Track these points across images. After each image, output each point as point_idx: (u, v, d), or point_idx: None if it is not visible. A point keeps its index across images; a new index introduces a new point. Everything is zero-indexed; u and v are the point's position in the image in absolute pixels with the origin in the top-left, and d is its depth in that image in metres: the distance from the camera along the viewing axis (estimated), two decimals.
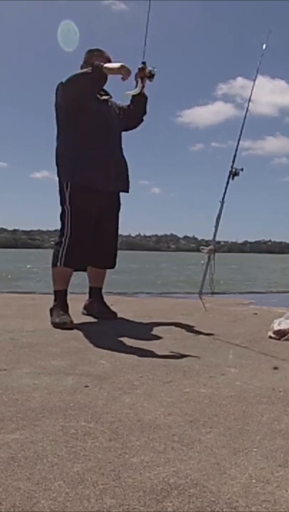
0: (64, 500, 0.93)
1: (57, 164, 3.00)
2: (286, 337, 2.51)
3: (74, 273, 3.02)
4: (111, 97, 3.12)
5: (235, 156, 3.47)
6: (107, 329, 2.76)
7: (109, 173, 2.96)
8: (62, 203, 2.94)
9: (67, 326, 2.73)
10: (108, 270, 3.25)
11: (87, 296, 3.29)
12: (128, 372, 1.86)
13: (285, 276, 14.47)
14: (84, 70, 2.85)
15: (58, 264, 2.90)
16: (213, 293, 3.67)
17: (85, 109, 2.90)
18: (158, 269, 21.30)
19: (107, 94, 3.11)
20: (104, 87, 3.03)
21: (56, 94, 2.93)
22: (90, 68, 2.78)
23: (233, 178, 3.45)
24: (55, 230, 3.04)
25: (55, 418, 1.36)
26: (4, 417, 1.37)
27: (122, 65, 2.74)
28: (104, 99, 3.06)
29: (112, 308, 3.23)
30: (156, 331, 2.75)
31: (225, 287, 7.31)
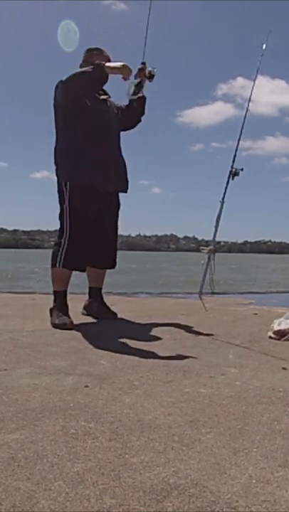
0: (64, 500, 0.93)
1: (56, 163, 2.99)
2: (286, 337, 2.51)
3: (74, 273, 3.01)
4: (109, 97, 3.11)
5: (235, 156, 3.47)
6: (107, 329, 2.76)
7: (108, 174, 2.95)
8: (61, 203, 2.92)
9: (66, 326, 2.72)
10: (108, 270, 3.25)
11: (87, 296, 3.29)
12: (128, 372, 1.86)
13: (285, 276, 14.47)
14: (85, 68, 2.83)
15: (58, 265, 2.89)
16: (213, 293, 3.68)
17: (85, 108, 2.88)
18: (159, 269, 21.29)
19: (105, 93, 3.09)
20: (104, 87, 3.02)
21: (55, 92, 2.90)
22: (91, 67, 2.76)
23: (233, 178, 3.45)
24: (55, 230, 3.02)
25: (55, 418, 1.36)
26: (4, 417, 1.37)
27: (123, 65, 2.73)
28: (103, 99, 3.05)
29: (112, 308, 3.22)
30: (156, 331, 2.75)
31: (225, 287, 7.31)
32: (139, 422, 1.35)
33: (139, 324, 2.97)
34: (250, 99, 3.64)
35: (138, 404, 1.50)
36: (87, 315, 3.19)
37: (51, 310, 2.91)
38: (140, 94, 3.03)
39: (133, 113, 3.15)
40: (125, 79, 2.83)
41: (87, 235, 2.94)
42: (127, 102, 3.15)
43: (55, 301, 2.94)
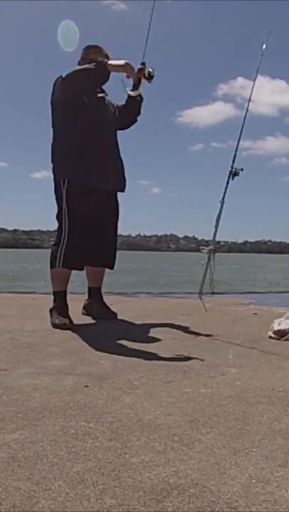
0: (64, 500, 0.93)
1: (53, 161, 2.94)
2: (286, 337, 2.51)
3: (74, 272, 3.00)
4: (107, 95, 3.08)
5: (235, 156, 3.47)
6: (106, 329, 2.76)
7: (107, 172, 2.92)
8: (59, 201, 2.88)
9: (66, 326, 2.72)
10: (108, 271, 3.24)
11: (86, 296, 3.28)
12: (128, 372, 1.86)
13: (285, 276, 14.47)
14: (86, 65, 2.78)
15: (57, 264, 2.86)
16: (213, 293, 3.67)
17: (85, 105, 2.85)
18: (159, 269, 21.28)
19: (103, 91, 3.05)
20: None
21: (54, 88, 2.86)
22: (94, 64, 2.73)
23: (233, 178, 3.44)
24: (55, 230, 2.99)
25: (55, 418, 1.36)
26: (4, 417, 1.37)
27: (126, 63, 2.71)
28: (101, 97, 3.02)
29: (112, 308, 3.22)
30: (156, 331, 2.74)
31: (225, 287, 7.31)
32: (139, 422, 1.35)
33: (139, 324, 2.97)
34: (250, 99, 3.64)
35: (138, 404, 1.50)
36: (87, 315, 3.18)
37: (51, 310, 2.91)
38: (138, 92, 3.01)
39: (129, 113, 3.13)
40: (129, 77, 2.82)
41: (86, 233, 2.91)
42: (123, 102, 3.14)
43: (55, 301, 2.93)
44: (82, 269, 3.07)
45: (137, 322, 3.02)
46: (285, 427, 1.33)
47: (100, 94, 3.01)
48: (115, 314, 3.14)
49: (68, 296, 2.96)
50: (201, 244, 3.70)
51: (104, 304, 3.21)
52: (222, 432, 1.29)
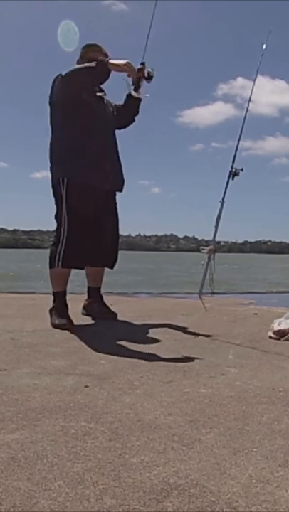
0: (64, 500, 0.93)
1: (51, 160, 2.92)
2: (286, 337, 2.51)
3: (74, 272, 2.99)
4: (105, 94, 3.07)
5: (235, 156, 3.47)
6: (106, 329, 2.76)
7: (106, 171, 2.91)
8: (58, 201, 2.86)
9: (66, 327, 2.71)
10: (108, 271, 3.23)
11: (86, 296, 3.27)
12: (128, 372, 1.86)
13: (285, 276, 14.47)
14: (87, 64, 2.76)
15: (56, 265, 2.84)
16: (213, 293, 3.67)
17: (84, 104, 2.84)
18: (160, 270, 21.28)
19: (101, 90, 3.04)
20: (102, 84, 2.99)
21: (53, 87, 2.84)
22: (95, 62, 2.71)
23: (233, 178, 3.44)
24: (54, 230, 2.97)
25: (55, 418, 1.36)
26: (4, 417, 1.37)
27: (127, 62, 2.70)
28: (100, 96, 3.01)
29: (112, 308, 3.21)
30: (156, 331, 2.74)
31: (225, 287, 7.31)
32: (139, 422, 1.35)
33: (139, 324, 2.97)
34: (250, 99, 3.64)
35: (138, 404, 1.50)
36: (87, 315, 3.18)
37: (51, 310, 2.90)
38: (139, 95, 3.01)
39: (128, 112, 3.12)
40: (130, 76, 2.81)
41: (86, 233, 2.89)
42: (122, 101, 3.13)
43: (54, 301, 2.92)
44: (82, 268, 3.06)
45: (137, 322, 3.02)
46: (285, 427, 1.33)
47: (98, 94, 2.99)
48: (115, 314, 3.14)
49: (68, 296, 2.96)
50: (201, 244, 3.70)
51: (104, 304, 3.21)
52: (222, 432, 1.29)
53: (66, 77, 2.77)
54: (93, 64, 2.71)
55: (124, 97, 3.12)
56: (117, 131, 3.10)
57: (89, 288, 3.23)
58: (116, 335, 2.57)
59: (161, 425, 1.32)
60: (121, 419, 1.36)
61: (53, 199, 2.92)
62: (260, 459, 1.13)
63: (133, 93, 3.00)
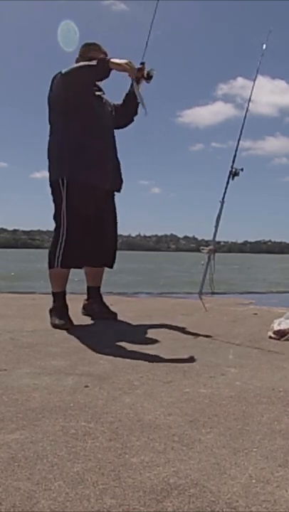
0: (64, 500, 0.93)
1: (50, 158, 2.89)
2: (286, 337, 2.51)
3: (74, 272, 2.99)
4: (104, 94, 3.06)
5: (235, 156, 3.46)
6: (106, 329, 2.76)
7: (105, 170, 2.90)
8: (58, 200, 2.83)
9: (66, 327, 2.71)
10: (109, 271, 3.23)
11: (86, 295, 3.27)
12: (128, 372, 1.86)
13: (285, 276, 14.47)
14: (88, 62, 2.74)
15: (56, 265, 2.82)
16: (213, 293, 3.67)
17: (85, 103, 2.83)
18: (160, 270, 21.26)
19: (100, 89, 3.03)
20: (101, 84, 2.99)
21: (52, 84, 2.82)
22: (96, 60, 2.69)
23: (233, 178, 3.44)
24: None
25: (55, 418, 1.36)
26: (4, 417, 1.37)
27: (129, 61, 2.70)
28: (98, 95, 3.00)
29: (112, 308, 3.21)
30: (156, 331, 2.74)
31: (225, 287, 7.31)
32: (139, 422, 1.35)
33: (139, 324, 2.97)
34: (250, 99, 3.64)
35: (138, 404, 1.50)
36: (87, 315, 3.18)
37: (51, 311, 2.90)
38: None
39: (126, 112, 3.11)
40: (131, 76, 2.81)
41: (86, 233, 2.88)
42: (120, 101, 3.13)
43: (54, 301, 2.92)
44: (80, 268, 3.05)
45: (137, 322, 3.02)
46: (285, 427, 1.33)
47: (97, 93, 2.99)
48: (115, 314, 3.14)
49: (68, 296, 2.96)
50: (201, 244, 3.70)
51: (104, 304, 3.20)
52: (222, 432, 1.29)
53: (67, 75, 2.75)
54: (94, 62, 2.70)
55: (123, 96, 3.12)
56: (116, 131, 3.10)
57: (88, 288, 3.23)
58: (116, 335, 2.57)
59: (161, 425, 1.33)
60: (121, 419, 1.36)
61: (51, 198, 2.90)
62: (260, 459, 1.13)
63: (135, 89, 2.98)
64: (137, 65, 2.86)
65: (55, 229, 2.86)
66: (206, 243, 3.59)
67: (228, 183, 3.44)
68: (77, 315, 3.03)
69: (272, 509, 0.92)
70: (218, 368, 1.95)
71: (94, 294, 3.21)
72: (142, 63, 2.90)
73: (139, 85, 2.90)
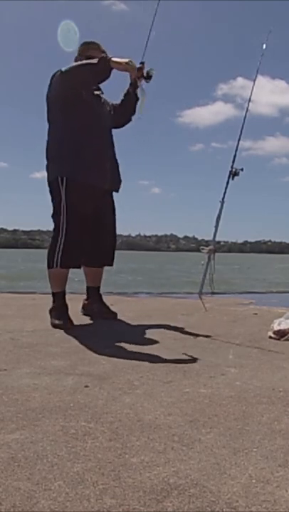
0: (64, 500, 0.93)
1: (48, 158, 2.88)
2: (286, 337, 2.51)
3: (74, 272, 2.99)
4: (102, 93, 3.06)
5: (235, 156, 3.46)
6: (106, 329, 2.76)
7: (104, 170, 2.90)
8: (56, 199, 2.82)
9: (66, 327, 2.71)
10: (109, 271, 3.23)
11: (85, 295, 3.27)
12: (128, 372, 1.86)
13: (285, 276, 14.47)
14: (90, 60, 2.73)
15: (55, 265, 2.82)
16: (213, 293, 3.67)
17: (84, 102, 2.82)
18: (160, 270, 21.26)
19: (98, 89, 3.02)
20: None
21: (51, 82, 2.81)
22: (97, 59, 2.68)
23: (233, 178, 3.44)
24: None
25: (55, 418, 1.36)
26: (4, 417, 1.37)
27: (130, 60, 2.69)
28: (97, 94, 2.99)
29: (112, 308, 3.21)
30: (156, 331, 2.74)
31: (225, 287, 7.31)
32: (139, 422, 1.35)
33: (139, 324, 2.96)
34: (250, 99, 3.64)
35: (138, 404, 1.50)
36: (87, 315, 3.18)
37: (51, 311, 2.90)
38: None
39: (125, 112, 3.10)
40: (132, 76, 2.80)
41: (85, 233, 2.87)
42: (119, 101, 3.12)
43: (54, 301, 2.91)
44: (79, 267, 3.04)
45: (137, 322, 3.02)
46: (285, 427, 1.33)
47: (96, 92, 2.98)
48: (115, 314, 3.14)
49: (68, 296, 2.96)
50: (201, 244, 3.70)
51: (104, 303, 3.20)
52: (222, 432, 1.29)
53: (67, 73, 2.74)
54: (95, 61, 2.68)
55: (121, 96, 3.12)
56: (114, 131, 3.10)
57: (88, 288, 3.23)
58: (116, 335, 2.57)
59: (161, 425, 1.32)
60: (121, 419, 1.36)
61: (50, 197, 2.90)
62: (260, 459, 1.13)
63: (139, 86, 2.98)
64: (137, 65, 2.86)
65: (54, 228, 2.85)
66: (206, 243, 3.59)
67: (228, 183, 3.44)
68: (77, 315, 3.04)
69: (272, 509, 0.92)
70: (218, 368, 1.95)
71: (93, 294, 3.21)
72: (142, 63, 2.90)
73: (139, 85, 2.91)
